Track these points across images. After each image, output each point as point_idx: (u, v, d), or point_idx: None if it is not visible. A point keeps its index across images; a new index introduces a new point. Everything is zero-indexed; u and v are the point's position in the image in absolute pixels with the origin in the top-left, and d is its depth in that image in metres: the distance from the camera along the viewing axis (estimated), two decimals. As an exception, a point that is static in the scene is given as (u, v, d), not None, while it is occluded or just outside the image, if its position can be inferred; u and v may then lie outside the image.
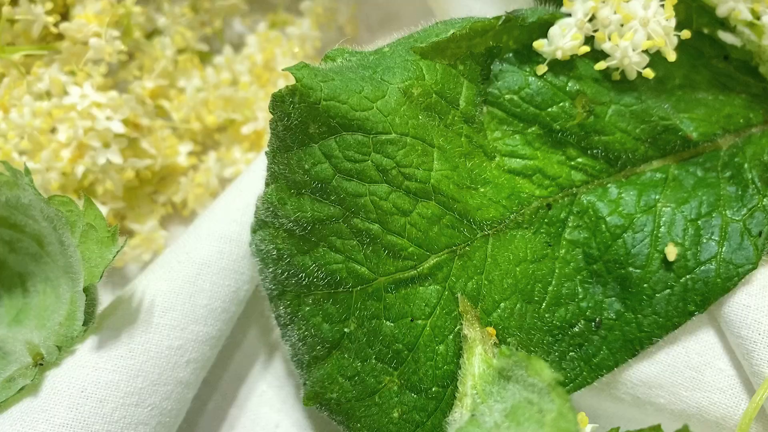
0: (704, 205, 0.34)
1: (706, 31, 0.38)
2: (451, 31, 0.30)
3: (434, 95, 0.30)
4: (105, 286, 0.41)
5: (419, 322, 0.30)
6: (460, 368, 0.29)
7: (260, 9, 0.47)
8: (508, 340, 0.31)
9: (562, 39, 0.32)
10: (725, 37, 0.37)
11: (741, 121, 0.36)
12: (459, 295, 0.30)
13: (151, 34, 0.43)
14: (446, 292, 0.30)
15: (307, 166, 0.29)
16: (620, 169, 0.34)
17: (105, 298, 0.34)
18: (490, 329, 0.31)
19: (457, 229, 0.30)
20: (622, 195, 0.34)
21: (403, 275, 0.30)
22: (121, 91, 0.40)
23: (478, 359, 0.28)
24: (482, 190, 0.31)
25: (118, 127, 0.38)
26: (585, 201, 0.34)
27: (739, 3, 0.36)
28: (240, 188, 0.36)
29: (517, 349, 0.31)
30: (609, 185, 0.34)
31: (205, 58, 0.45)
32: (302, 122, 0.28)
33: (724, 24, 0.37)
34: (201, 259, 0.34)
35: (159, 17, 0.42)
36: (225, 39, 0.46)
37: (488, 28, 0.32)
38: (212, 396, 0.40)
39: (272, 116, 0.29)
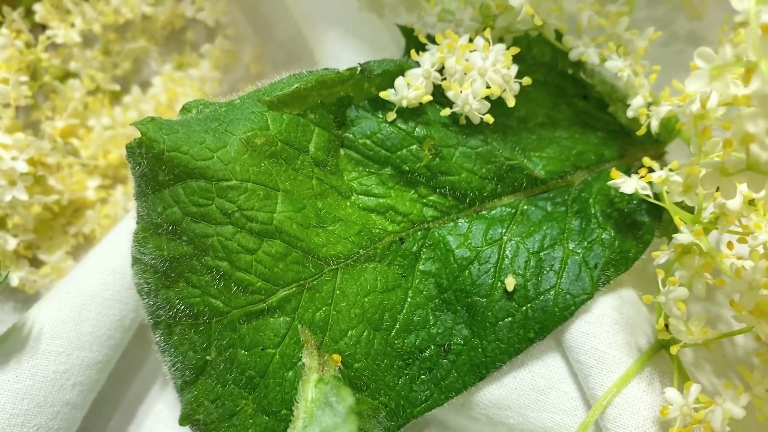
0: (548, 239, 0.36)
1: (570, 71, 0.41)
2: (295, 86, 0.33)
3: (279, 143, 0.33)
4: (20, 312, 0.44)
5: (269, 350, 0.33)
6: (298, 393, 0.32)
7: (170, 50, 0.50)
8: (355, 365, 0.34)
9: (407, 89, 0.35)
10: (585, 77, 0.40)
11: (593, 157, 0.39)
12: (299, 326, 0.33)
13: (65, 76, 0.46)
14: (295, 323, 0.33)
15: (159, 210, 0.32)
16: (470, 205, 0.37)
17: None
18: (336, 356, 0.33)
19: (303, 264, 0.33)
20: (472, 229, 0.36)
21: (253, 308, 0.33)
22: (34, 131, 0.44)
23: (312, 385, 0.31)
24: (331, 228, 0.34)
25: (23, 167, 0.41)
26: (437, 235, 0.36)
27: (588, 48, 0.38)
28: (127, 224, 0.39)
29: (362, 373, 0.34)
30: (460, 220, 0.37)
31: (118, 96, 0.48)
32: (152, 170, 0.31)
33: (581, 66, 0.40)
34: (87, 290, 0.37)
35: (71, 61, 0.46)
36: (135, 79, 0.49)
37: (338, 80, 0.35)
38: (113, 414, 0.43)
39: (130, 164, 0.32)
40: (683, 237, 0.33)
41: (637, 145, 0.40)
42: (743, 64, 0.25)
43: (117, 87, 0.47)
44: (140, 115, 0.46)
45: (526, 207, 0.37)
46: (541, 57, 0.41)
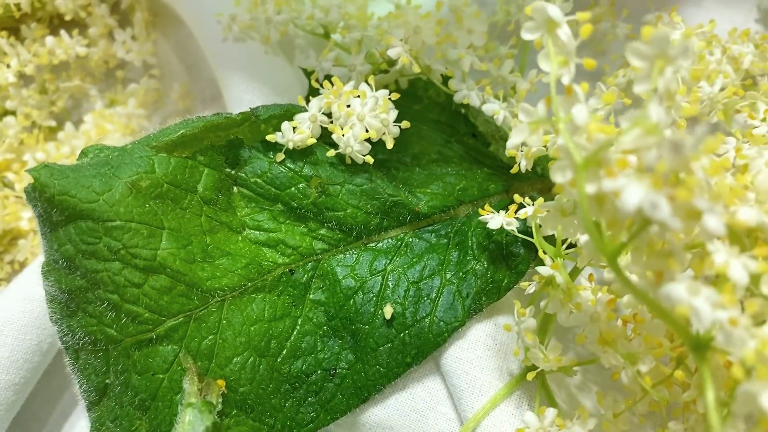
0: (427, 269, 0.39)
1: (463, 111, 0.44)
2: (181, 131, 0.36)
3: (166, 185, 0.35)
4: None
5: (159, 375, 0.36)
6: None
7: (109, 87, 0.53)
8: (240, 389, 0.37)
9: (292, 133, 0.38)
10: (470, 117, 0.43)
11: (476, 192, 0.41)
12: (181, 354, 0.35)
13: (3, 114, 0.50)
14: (182, 350, 0.36)
15: (56, 247, 0.35)
16: (357, 238, 0.39)
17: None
18: (221, 381, 0.36)
19: (188, 297, 0.36)
20: (359, 260, 0.39)
21: (143, 336, 0.36)
22: (-29, 166, 0.47)
23: (190, 409, 0.33)
24: (218, 262, 0.37)
25: (-45, 201, 0.44)
26: (326, 266, 0.39)
27: (471, 91, 0.41)
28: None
29: (248, 397, 0.37)
30: (349, 252, 0.39)
31: (55, 131, 0.51)
32: (46, 212, 0.34)
33: (468, 107, 0.43)
34: (5, 317, 0.41)
35: (7, 100, 0.49)
36: (74, 115, 0.52)
37: (228, 125, 0.37)
38: (41, 430, 0.46)
39: (30, 206, 0.35)
40: (543, 270, 0.35)
41: (523, 179, 0.42)
42: (550, 122, 0.28)
43: (53, 123, 0.51)
44: (73, 150, 0.49)
45: (410, 239, 0.40)
46: (436, 97, 0.44)
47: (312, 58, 0.44)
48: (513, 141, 0.29)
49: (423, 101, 0.44)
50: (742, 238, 0.30)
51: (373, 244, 0.40)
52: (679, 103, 0.33)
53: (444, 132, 0.43)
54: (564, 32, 0.27)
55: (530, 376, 0.35)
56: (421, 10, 0.44)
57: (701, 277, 0.27)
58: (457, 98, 0.41)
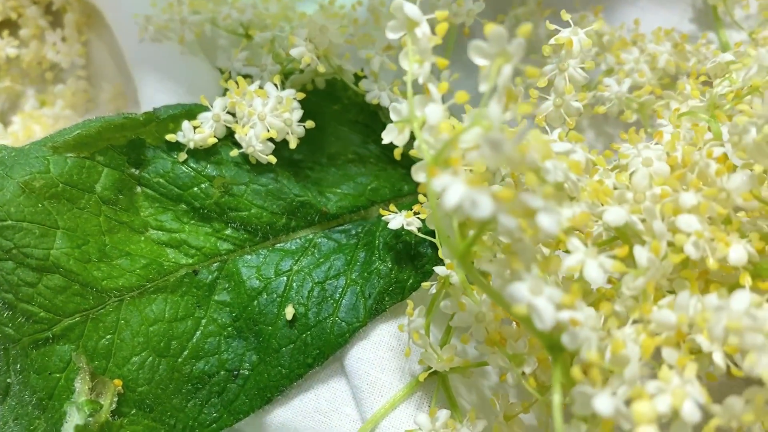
0: (333, 270, 0.39)
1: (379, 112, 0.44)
2: (77, 132, 0.36)
3: (61, 185, 0.35)
4: None
5: (56, 375, 0.36)
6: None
7: (43, 89, 0.53)
8: (139, 389, 0.37)
9: (192, 132, 0.38)
10: (383, 117, 0.43)
11: (388, 192, 0.41)
12: (74, 353, 0.35)
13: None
14: (79, 350, 0.36)
15: (-50, 246, 0.35)
16: (264, 239, 0.39)
17: None
18: (117, 381, 0.36)
19: (83, 296, 0.36)
20: (266, 261, 0.39)
21: (39, 336, 0.36)
22: None
23: (70, 407, 0.33)
24: (116, 262, 0.37)
25: None
26: (232, 267, 0.39)
27: (383, 92, 0.41)
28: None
29: (147, 397, 0.37)
30: (255, 253, 0.39)
31: (-12, 132, 0.51)
32: (-61, 211, 0.34)
33: (381, 107, 0.42)
34: None
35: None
36: (7, 117, 0.52)
37: (129, 125, 0.37)
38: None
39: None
40: (440, 270, 0.35)
41: (437, 179, 0.42)
42: (412, 120, 0.27)
43: (-15, 123, 0.51)
44: (1, 150, 0.49)
45: (319, 240, 0.40)
46: (354, 98, 0.44)
47: (232, 59, 0.44)
48: (384, 141, 0.29)
49: (342, 101, 0.44)
50: (628, 237, 0.29)
51: (280, 245, 0.40)
52: (569, 102, 0.32)
53: (361, 132, 0.43)
54: (421, 31, 0.27)
55: (422, 377, 0.35)
56: (345, 9, 0.44)
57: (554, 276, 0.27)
58: (368, 98, 0.41)
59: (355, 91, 0.44)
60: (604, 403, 0.22)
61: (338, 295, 0.38)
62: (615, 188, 0.30)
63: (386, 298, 0.38)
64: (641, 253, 0.26)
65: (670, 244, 0.27)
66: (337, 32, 0.39)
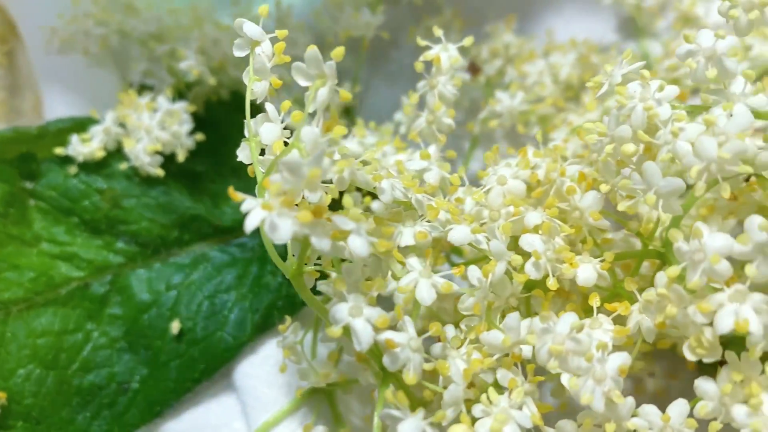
0: (224, 283, 0.39)
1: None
2: (-39, 146, 0.36)
3: (-55, 199, 0.36)
4: None
5: (-61, 387, 0.36)
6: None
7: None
8: (25, 401, 0.36)
9: (80, 145, 0.38)
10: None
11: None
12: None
13: None
14: (-38, 363, 0.36)
15: None
16: (156, 252, 0.39)
17: None
18: (1, 393, 0.36)
19: (-32, 310, 0.36)
20: (158, 275, 0.39)
21: (-76, 349, 0.36)
22: None
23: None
24: (3, 275, 0.37)
25: None
26: (124, 280, 0.39)
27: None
28: None
29: (33, 409, 0.37)
30: (148, 266, 0.39)
31: None
32: None
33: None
34: None
35: None
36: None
37: (19, 138, 0.38)
38: None
39: None
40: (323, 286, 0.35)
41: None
42: (250, 140, 0.27)
43: None
44: None
45: (214, 254, 0.40)
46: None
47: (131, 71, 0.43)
48: (239, 158, 0.29)
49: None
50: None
51: (173, 258, 0.40)
52: (440, 119, 0.32)
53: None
54: (261, 49, 0.26)
55: (299, 393, 0.35)
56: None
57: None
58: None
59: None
60: (408, 428, 0.22)
61: (227, 310, 0.38)
62: (481, 206, 0.30)
63: (275, 313, 0.38)
64: (472, 273, 0.25)
65: (514, 263, 0.27)
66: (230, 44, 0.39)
